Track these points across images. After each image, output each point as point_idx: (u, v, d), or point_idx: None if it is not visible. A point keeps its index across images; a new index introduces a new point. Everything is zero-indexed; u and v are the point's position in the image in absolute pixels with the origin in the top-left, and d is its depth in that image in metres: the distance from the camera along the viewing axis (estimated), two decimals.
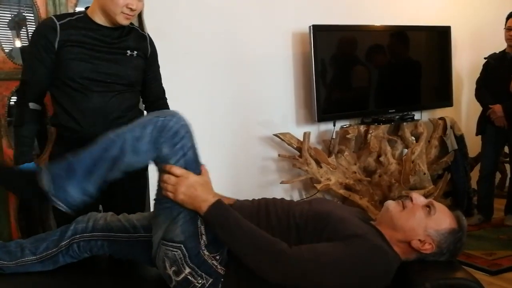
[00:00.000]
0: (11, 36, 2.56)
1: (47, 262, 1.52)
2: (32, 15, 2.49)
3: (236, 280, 1.32)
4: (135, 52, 1.85)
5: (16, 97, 2.29)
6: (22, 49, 2.48)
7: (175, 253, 1.32)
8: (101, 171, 1.31)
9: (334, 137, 3.41)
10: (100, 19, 1.78)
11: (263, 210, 1.41)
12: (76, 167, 1.32)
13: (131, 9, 1.72)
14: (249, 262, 1.25)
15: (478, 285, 1.29)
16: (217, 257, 1.33)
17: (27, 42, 2.42)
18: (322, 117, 3.33)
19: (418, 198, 1.39)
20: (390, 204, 1.41)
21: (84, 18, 1.78)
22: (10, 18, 2.52)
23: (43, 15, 2.30)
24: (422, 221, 1.34)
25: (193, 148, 1.35)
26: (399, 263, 1.33)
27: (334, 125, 3.42)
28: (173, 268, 1.33)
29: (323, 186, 3.25)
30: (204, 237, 1.33)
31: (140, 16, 2.41)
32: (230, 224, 1.27)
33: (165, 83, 2.04)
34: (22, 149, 1.75)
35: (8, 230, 2.32)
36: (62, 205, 1.34)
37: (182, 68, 2.92)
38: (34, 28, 2.00)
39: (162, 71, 2.03)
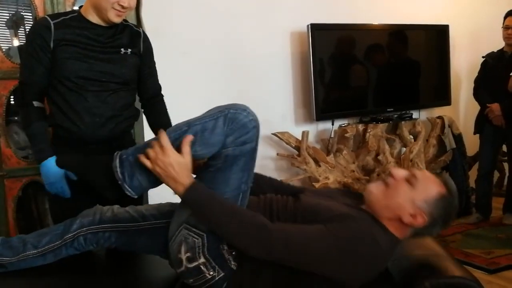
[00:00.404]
0: (9, 35, 2.55)
1: (49, 255, 1.50)
2: (30, 14, 2.49)
3: (244, 276, 1.31)
4: (129, 50, 1.83)
5: (17, 99, 2.29)
6: (20, 48, 2.47)
7: (196, 240, 1.31)
8: None
9: (332, 136, 3.42)
10: (93, 18, 1.76)
11: (268, 210, 1.40)
12: (144, 153, 1.31)
13: (122, 6, 1.70)
14: (232, 239, 1.25)
15: (477, 284, 1.28)
16: (233, 253, 1.32)
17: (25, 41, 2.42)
18: (321, 116, 3.34)
19: (398, 172, 1.34)
20: (372, 186, 1.38)
21: (78, 17, 1.77)
22: (8, 17, 2.52)
23: (41, 14, 2.29)
24: (408, 194, 1.29)
25: (252, 142, 1.32)
26: (398, 244, 1.31)
27: (333, 124, 3.43)
28: (188, 254, 1.32)
29: (322, 185, 3.25)
30: None
31: (138, 15, 2.40)
32: (210, 205, 1.26)
33: (164, 83, 2.03)
34: (39, 147, 1.74)
35: (6, 230, 2.31)
36: (129, 190, 1.34)
37: (181, 68, 2.92)
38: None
39: (161, 71, 2.02)
